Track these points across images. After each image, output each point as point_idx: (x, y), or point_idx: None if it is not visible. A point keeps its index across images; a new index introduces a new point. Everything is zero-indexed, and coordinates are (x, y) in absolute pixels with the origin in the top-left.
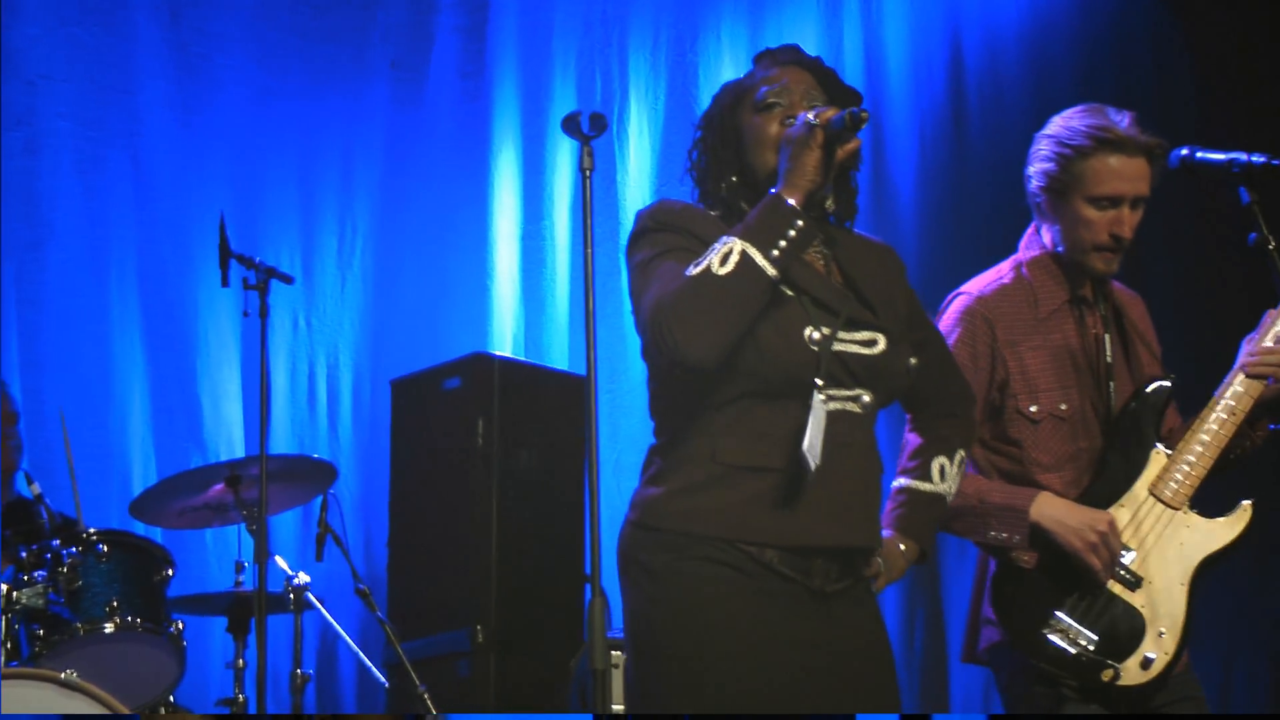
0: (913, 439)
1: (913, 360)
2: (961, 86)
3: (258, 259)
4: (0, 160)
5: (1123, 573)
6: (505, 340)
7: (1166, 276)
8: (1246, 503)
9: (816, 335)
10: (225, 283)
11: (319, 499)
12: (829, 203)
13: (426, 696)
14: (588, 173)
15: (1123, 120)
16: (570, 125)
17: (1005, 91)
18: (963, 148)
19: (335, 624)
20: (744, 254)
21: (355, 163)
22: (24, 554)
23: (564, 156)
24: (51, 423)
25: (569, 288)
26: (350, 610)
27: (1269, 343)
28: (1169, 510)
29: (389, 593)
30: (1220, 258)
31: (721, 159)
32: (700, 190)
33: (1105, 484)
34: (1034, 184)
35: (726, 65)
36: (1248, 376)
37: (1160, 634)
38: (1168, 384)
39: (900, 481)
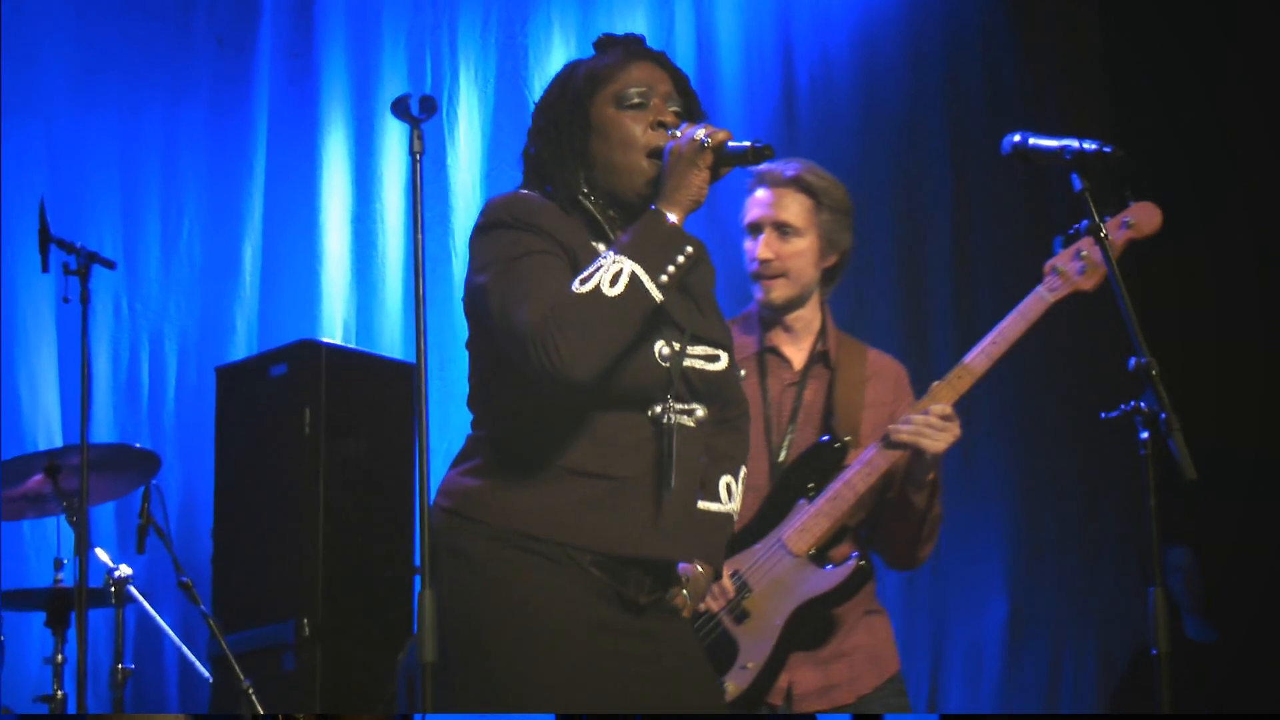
0: None
1: (742, 372)
2: (792, 77)
3: (78, 244)
4: None
5: (736, 607)
6: (335, 326)
7: (998, 266)
8: (854, 561)
9: (666, 351)
10: (45, 268)
11: (141, 489)
12: None
13: (251, 691)
14: (418, 156)
15: (785, 162)
16: (400, 108)
17: (835, 82)
18: (794, 141)
19: (158, 617)
20: (634, 277)
21: (180, 144)
22: None
23: (394, 138)
24: None
25: (401, 273)
26: (173, 603)
27: (919, 413)
28: (790, 556)
29: (213, 585)
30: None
31: (571, 152)
32: (538, 181)
33: (754, 525)
34: None
35: (557, 48)
36: (886, 446)
37: (744, 667)
38: (826, 443)
39: None
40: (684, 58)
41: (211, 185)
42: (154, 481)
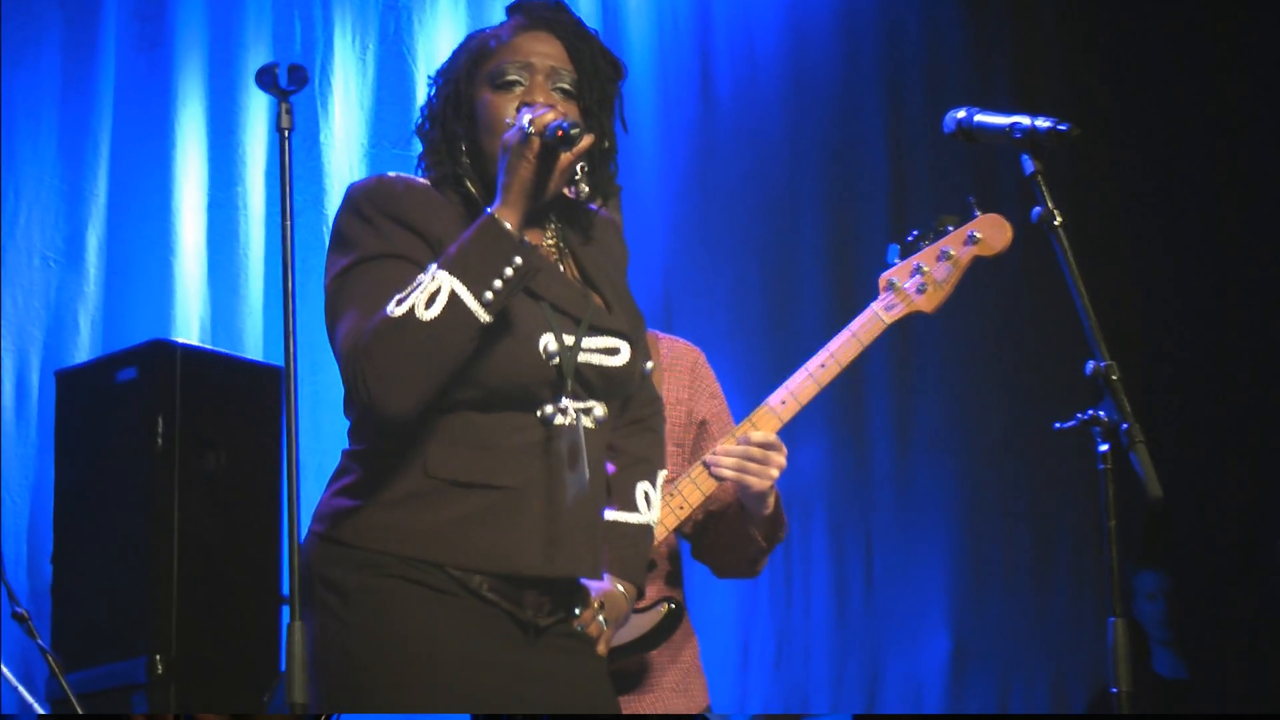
0: (607, 466)
1: (648, 364)
2: (707, 37)
3: None
4: None
5: None
6: (190, 325)
7: None
8: (664, 605)
9: (554, 346)
10: None
11: None
12: (580, 184)
13: None
14: (286, 132)
15: None
16: (266, 78)
17: (758, 51)
18: (711, 119)
19: None
20: (453, 295)
21: (17, 119)
22: None
23: (258, 114)
24: None
25: (264, 265)
26: (7, 638)
27: (734, 443)
28: None
29: (53, 616)
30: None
31: (452, 131)
32: (427, 161)
33: None
34: None
35: (444, 9)
36: (710, 475)
37: None
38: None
39: (605, 516)
40: (588, 20)
41: (50, 165)
42: None
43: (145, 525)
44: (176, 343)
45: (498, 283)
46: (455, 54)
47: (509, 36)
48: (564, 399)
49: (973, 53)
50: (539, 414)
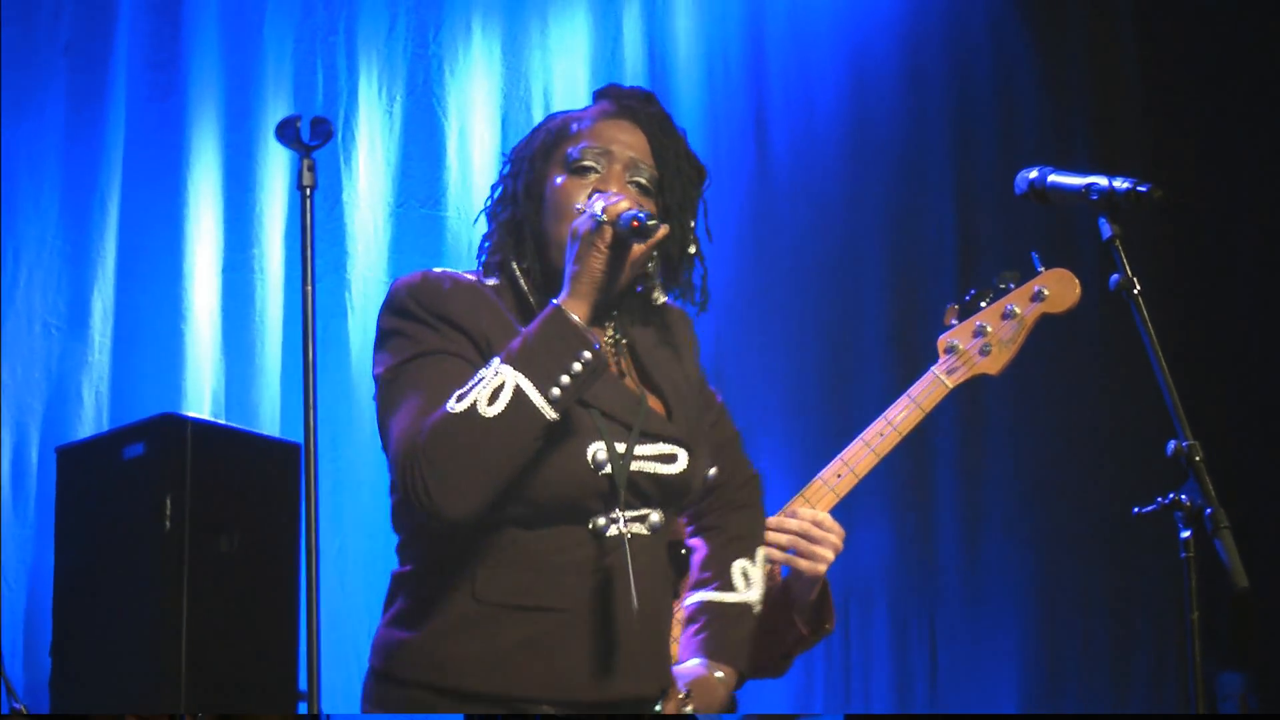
0: (700, 544)
1: (712, 471)
2: (762, 87)
3: None
4: None
5: None
6: (202, 398)
7: None
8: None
9: (604, 455)
10: None
11: None
12: (652, 284)
13: None
14: (308, 190)
15: None
16: (287, 132)
17: (817, 103)
18: (765, 175)
19: None
20: (518, 391)
21: (18, 174)
22: None
23: (277, 170)
24: None
25: (283, 333)
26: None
27: (786, 517)
28: None
29: (52, 712)
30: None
31: (514, 216)
32: (491, 244)
33: None
34: None
35: (477, 58)
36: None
37: None
38: (682, 551)
39: (698, 597)
40: (633, 71)
41: (53, 224)
42: None
43: (152, 613)
44: (187, 417)
45: (565, 378)
46: (533, 133)
47: (592, 121)
48: (615, 510)
49: (1047, 108)
50: (590, 526)
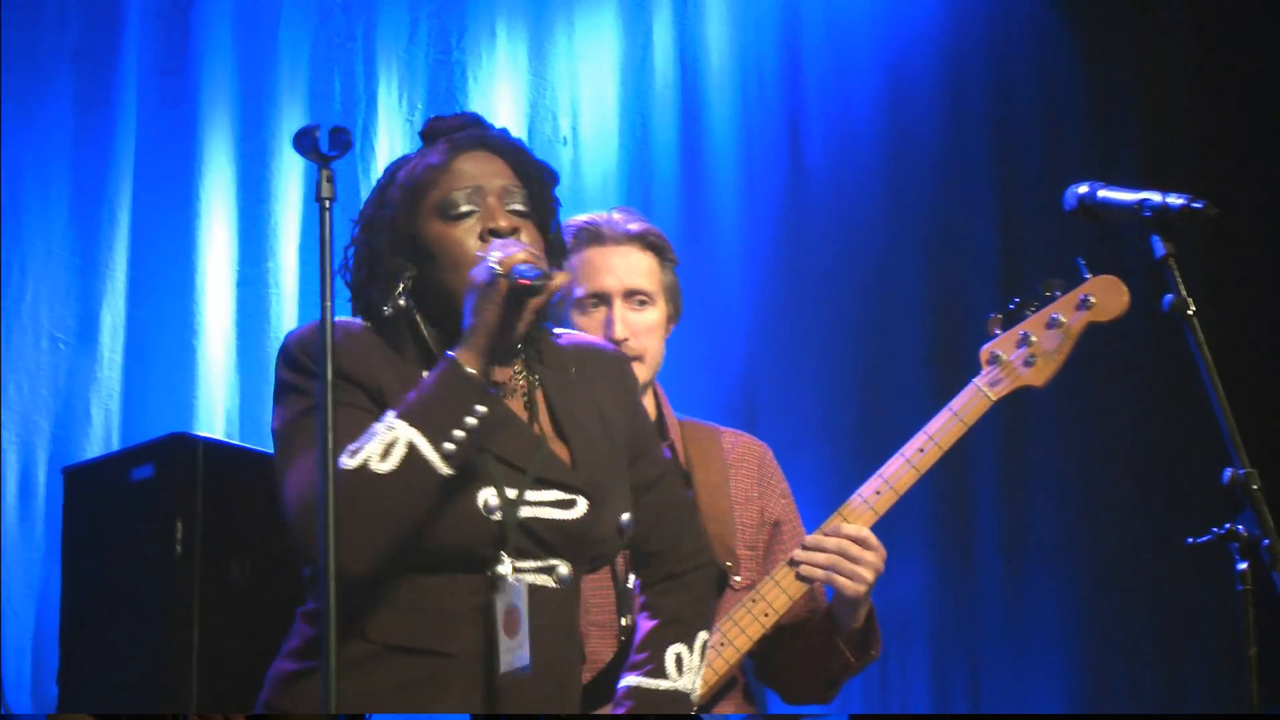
0: (643, 621)
1: (624, 517)
2: (797, 96)
3: None
4: None
5: None
6: (215, 417)
7: None
8: None
9: (495, 501)
10: None
11: None
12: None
13: None
14: (327, 203)
15: (606, 215)
16: (305, 141)
17: (854, 117)
18: (799, 173)
19: None
20: (411, 447)
21: (23, 184)
22: None
23: (292, 180)
24: None
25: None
26: None
27: (825, 535)
28: None
29: None
30: (1124, 324)
31: (393, 271)
32: (363, 306)
33: (613, 675)
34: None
35: (502, 63)
36: (796, 578)
37: None
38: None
39: (628, 680)
40: (664, 79)
41: (60, 235)
42: None
43: (161, 641)
44: (199, 437)
45: (459, 433)
46: (379, 194)
47: (448, 161)
48: (506, 558)
49: (1092, 118)
50: (488, 574)
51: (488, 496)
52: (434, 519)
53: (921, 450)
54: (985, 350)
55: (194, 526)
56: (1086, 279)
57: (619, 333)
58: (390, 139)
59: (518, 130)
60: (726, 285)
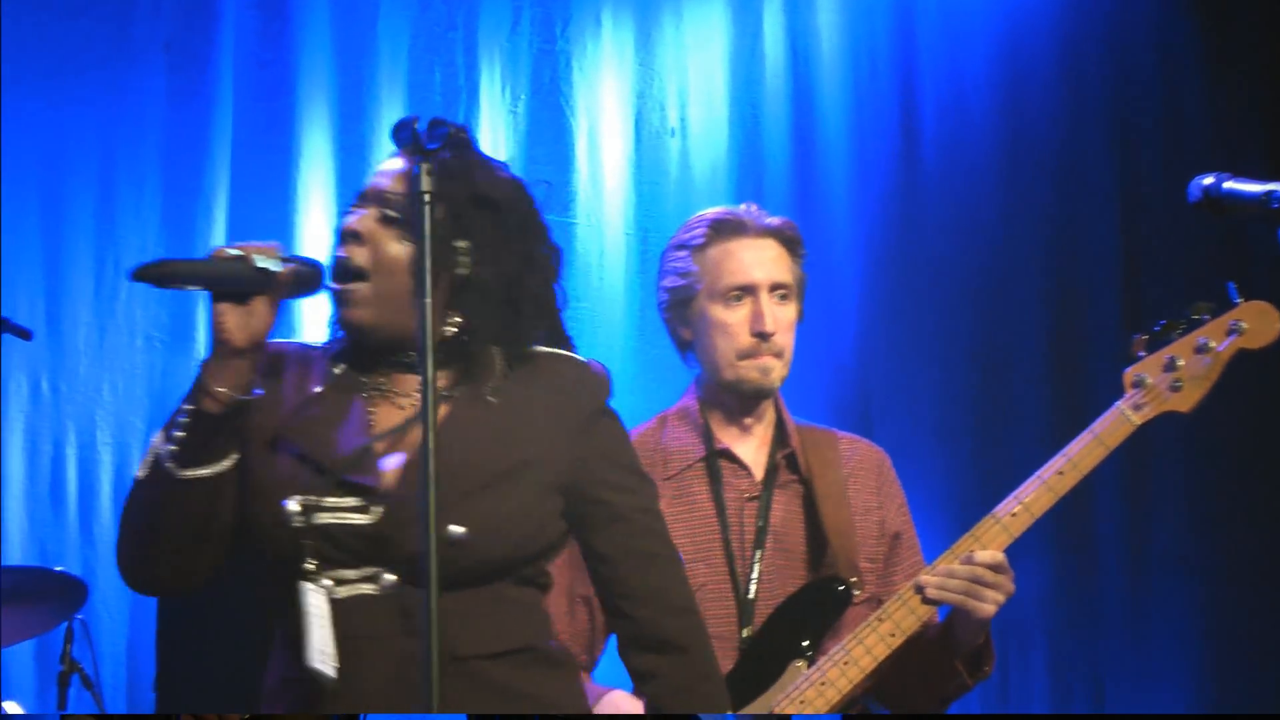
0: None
1: (454, 529)
2: (911, 86)
3: None
4: None
5: None
6: None
7: None
8: None
9: (296, 505)
10: None
11: (63, 626)
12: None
13: None
14: (426, 197)
15: (743, 207)
16: (403, 135)
17: (970, 109)
18: (912, 165)
19: None
20: (155, 456)
21: (118, 178)
22: None
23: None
24: None
25: None
26: None
27: (957, 562)
28: None
29: None
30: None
31: None
32: None
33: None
34: (661, 309)
35: (607, 55)
36: (924, 600)
37: None
38: (825, 583)
39: None
40: (775, 72)
41: (155, 231)
42: (79, 616)
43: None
44: None
45: (178, 432)
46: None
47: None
48: (331, 568)
49: (1220, 111)
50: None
51: (292, 500)
52: (255, 526)
53: (1060, 473)
54: (1129, 373)
55: None
56: (1237, 304)
57: (770, 325)
58: (493, 130)
59: (625, 122)
60: (839, 281)
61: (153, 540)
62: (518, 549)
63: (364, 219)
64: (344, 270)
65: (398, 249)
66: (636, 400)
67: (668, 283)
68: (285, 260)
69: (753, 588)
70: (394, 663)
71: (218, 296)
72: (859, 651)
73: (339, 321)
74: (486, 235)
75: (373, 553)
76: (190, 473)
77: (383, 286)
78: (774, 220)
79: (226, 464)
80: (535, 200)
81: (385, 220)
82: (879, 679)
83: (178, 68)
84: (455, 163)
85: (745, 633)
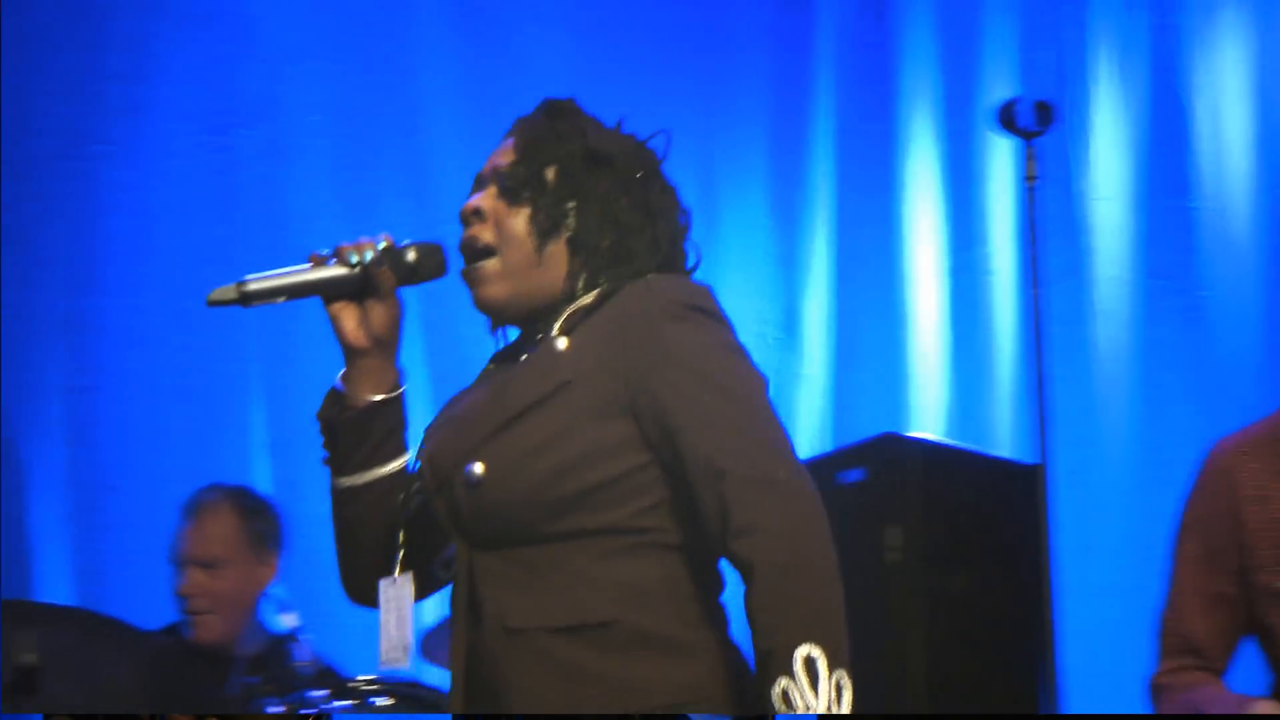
0: None
1: (475, 467)
2: None
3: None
4: None
5: None
6: (929, 415)
7: None
8: None
9: (401, 495)
10: None
11: None
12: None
13: None
14: (1031, 182)
15: None
16: (1004, 117)
17: None
18: None
19: None
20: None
21: (718, 173)
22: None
23: (1004, 158)
24: None
25: (1017, 342)
26: None
27: None
28: None
29: None
30: None
31: None
32: None
33: None
34: None
35: (1225, 25)
36: None
37: None
38: None
39: None
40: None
41: (762, 226)
42: None
43: (874, 663)
44: (912, 437)
45: (325, 440)
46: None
47: None
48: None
49: None
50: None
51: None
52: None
53: None
54: None
55: (909, 535)
56: None
57: None
58: (1107, 110)
59: (1245, 97)
60: None
61: (342, 553)
62: (546, 487)
63: (484, 196)
64: (471, 249)
65: (521, 220)
66: None
67: None
68: (394, 249)
69: None
70: (461, 642)
71: (327, 300)
72: None
73: (475, 303)
74: (598, 193)
75: (481, 521)
76: (348, 481)
77: (511, 260)
78: None
79: (389, 468)
80: (656, 153)
81: (504, 193)
82: None
83: (777, 53)
84: (566, 125)
85: None
